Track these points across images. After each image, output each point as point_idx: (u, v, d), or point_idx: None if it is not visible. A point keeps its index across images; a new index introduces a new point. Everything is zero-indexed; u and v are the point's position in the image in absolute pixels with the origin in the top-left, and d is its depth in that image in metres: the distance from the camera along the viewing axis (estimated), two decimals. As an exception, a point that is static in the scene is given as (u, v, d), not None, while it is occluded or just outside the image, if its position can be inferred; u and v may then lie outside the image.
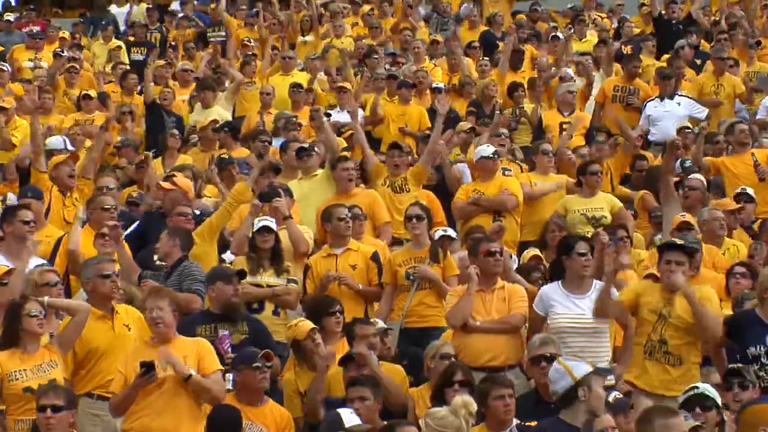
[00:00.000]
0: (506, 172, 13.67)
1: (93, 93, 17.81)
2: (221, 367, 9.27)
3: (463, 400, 7.78)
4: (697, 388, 8.74)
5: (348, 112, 15.52)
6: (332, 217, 11.75)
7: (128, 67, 19.76)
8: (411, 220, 11.74)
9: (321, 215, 12.16)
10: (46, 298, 9.42)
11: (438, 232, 11.69)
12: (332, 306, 10.62)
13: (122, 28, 24.09)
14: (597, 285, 10.10)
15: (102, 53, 21.79)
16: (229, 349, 9.97)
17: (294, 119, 16.20)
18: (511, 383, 9.12)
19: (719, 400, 8.72)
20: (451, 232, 12.00)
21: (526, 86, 17.57)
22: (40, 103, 15.82)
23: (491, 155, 13.31)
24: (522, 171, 14.33)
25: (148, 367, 8.85)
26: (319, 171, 13.58)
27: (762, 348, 9.52)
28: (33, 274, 10.01)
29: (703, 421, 8.41)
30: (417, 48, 19.87)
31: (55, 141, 14.50)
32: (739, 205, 13.14)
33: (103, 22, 23.76)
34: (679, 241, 10.00)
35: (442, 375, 9.52)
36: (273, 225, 11.40)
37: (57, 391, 8.55)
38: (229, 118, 17.18)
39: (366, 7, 23.28)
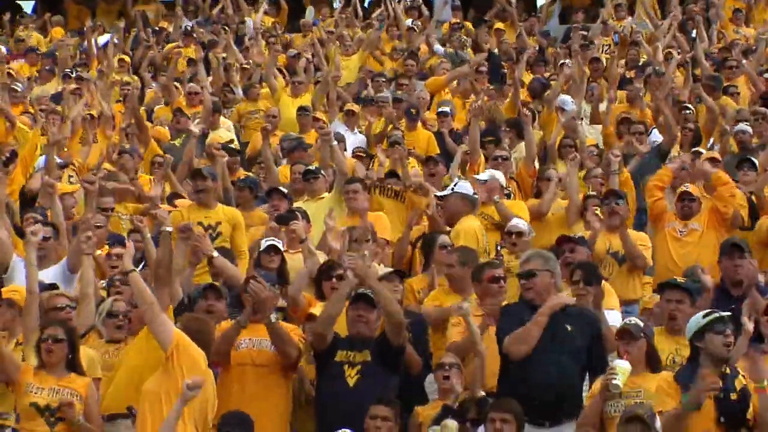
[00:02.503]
0: (504, 192, 13.66)
1: (94, 113, 17.62)
2: None
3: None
4: (717, 311, 8.93)
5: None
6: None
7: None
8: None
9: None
10: None
11: None
12: (333, 270, 10.68)
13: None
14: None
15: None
16: None
17: (303, 140, 15.99)
18: None
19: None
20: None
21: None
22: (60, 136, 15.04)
23: (486, 179, 13.29)
24: (520, 190, 14.53)
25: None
26: (325, 194, 13.58)
27: None
28: (43, 297, 9.81)
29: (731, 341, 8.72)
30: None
31: (39, 160, 14.33)
32: None
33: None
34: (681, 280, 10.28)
35: None
36: (280, 245, 11.37)
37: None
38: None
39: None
